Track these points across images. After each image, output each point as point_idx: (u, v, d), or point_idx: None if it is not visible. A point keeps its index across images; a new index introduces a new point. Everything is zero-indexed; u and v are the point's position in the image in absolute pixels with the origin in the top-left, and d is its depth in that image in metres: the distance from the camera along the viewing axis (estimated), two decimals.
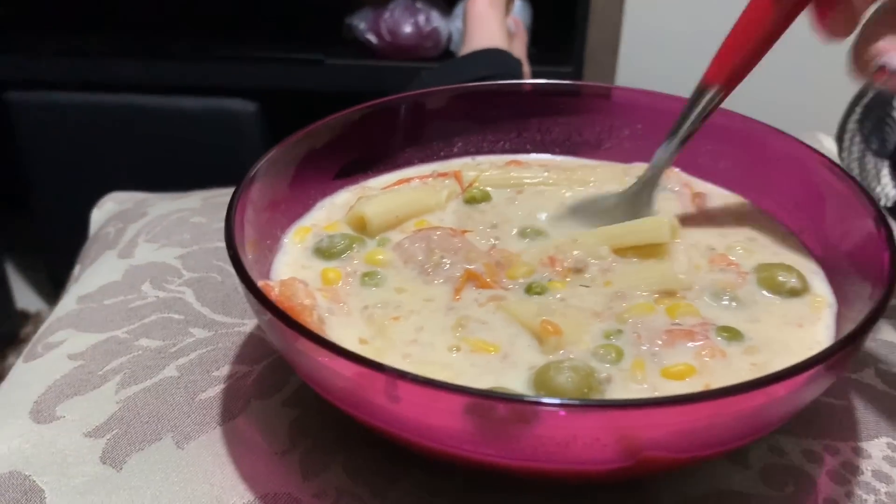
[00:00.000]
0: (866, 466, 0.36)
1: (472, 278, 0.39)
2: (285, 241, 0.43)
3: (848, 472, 0.36)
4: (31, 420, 0.40)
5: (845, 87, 0.69)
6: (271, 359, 0.42)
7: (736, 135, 0.46)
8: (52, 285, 1.69)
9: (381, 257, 0.41)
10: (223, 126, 1.55)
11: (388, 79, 1.57)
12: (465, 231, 0.43)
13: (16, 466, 0.37)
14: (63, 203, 1.59)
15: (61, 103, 1.54)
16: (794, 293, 0.39)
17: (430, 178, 0.47)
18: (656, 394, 0.32)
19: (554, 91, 0.51)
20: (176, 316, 0.46)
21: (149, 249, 0.54)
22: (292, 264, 0.42)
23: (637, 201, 0.43)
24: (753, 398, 0.27)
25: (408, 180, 0.48)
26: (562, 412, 0.26)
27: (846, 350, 0.29)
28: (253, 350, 0.43)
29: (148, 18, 1.70)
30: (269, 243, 0.42)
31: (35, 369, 0.45)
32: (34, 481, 0.36)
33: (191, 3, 1.78)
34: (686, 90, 0.44)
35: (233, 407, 0.39)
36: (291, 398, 0.40)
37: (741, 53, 0.39)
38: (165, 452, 0.37)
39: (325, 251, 0.42)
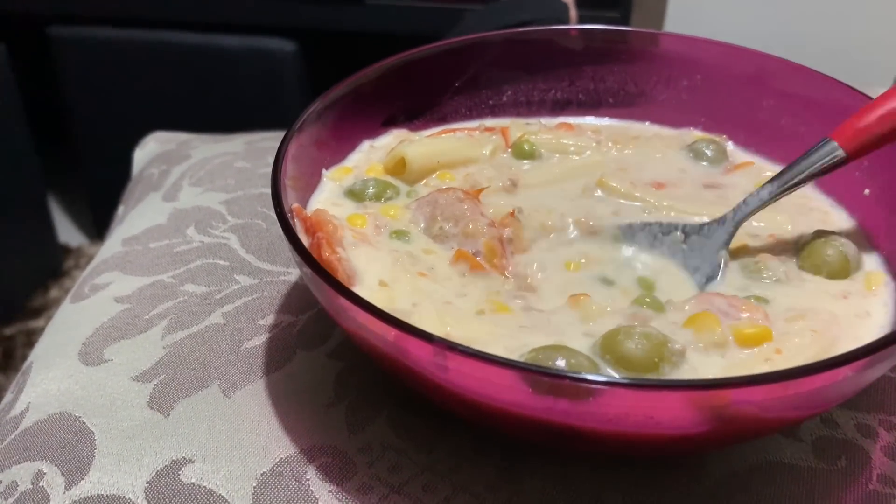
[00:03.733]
0: None
1: (462, 258, 0.36)
2: (325, 178, 0.43)
3: None
4: (80, 362, 0.41)
5: None
6: (316, 309, 0.42)
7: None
8: (94, 220, 1.72)
9: (393, 213, 0.40)
10: (262, 65, 1.54)
11: (430, 20, 1.54)
12: (481, 190, 0.40)
13: (66, 407, 0.38)
14: (104, 139, 1.60)
15: (103, 39, 1.54)
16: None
17: (477, 132, 0.46)
18: (732, 364, 0.31)
19: (608, 38, 0.49)
20: (221, 262, 0.46)
21: (193, 193, 0.54)
22: (324, 201, 0.41)
23: (712, 240, 0.38)
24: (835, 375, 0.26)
25: (453, 131, 0.46)
26: (637, 391, 0.25)
27: None
28: (298, 300, 0.43)
29: None
30: (311, 180, 0.42)
31: (82, 311, 0.45)
32: (84, 423, 0.37)
33: None
34: (738, 37, 0.42)
35: (278, 357, 0.39)
36: (336, 350, 0.39)
37: (880, 128, 0.36)
38: (212, 400, 0.37)
39: (356, 193, 0.41)
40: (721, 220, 0.39)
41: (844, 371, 0.26)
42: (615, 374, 0.29)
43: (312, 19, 1.49)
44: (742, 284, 0.37)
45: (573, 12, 1.13)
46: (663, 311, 0.33)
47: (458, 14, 1.50)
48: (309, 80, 1.60)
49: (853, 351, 0.26)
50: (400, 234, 0.38)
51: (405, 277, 0.35)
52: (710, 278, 0.37)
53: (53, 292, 1.60)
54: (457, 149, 0.43)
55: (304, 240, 0.35)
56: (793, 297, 0.36)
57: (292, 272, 0.45)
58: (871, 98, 0.39)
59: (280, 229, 0.33)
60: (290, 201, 0.37)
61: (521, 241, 0.38)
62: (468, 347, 0.26)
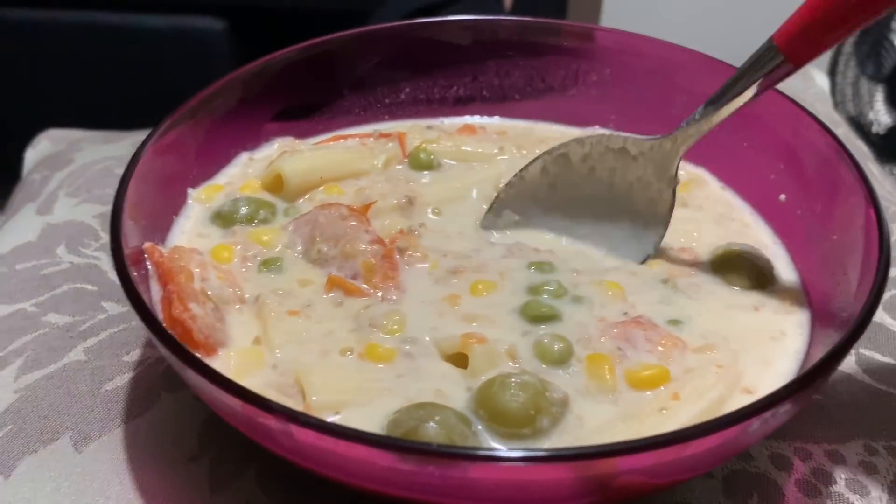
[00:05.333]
0: (840, 474, 0.33)
1: (336, 285, 0.33)
2: (190, 200, 0.38)
3: (819, 481, 0.32)
4: None
5: None
6: None
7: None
8: None
9: (266, 238, 0.36)
10: (188, 46, 1.47)
11: None
12: (369, 206, 0.37)
13: None
14: (21, 127, 1.52)
15: (11, 19, 1.45)
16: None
17: (371, 139, 0.42)
18: (624, 412, 0.28)
19: (512, 29, 0.45)
20: (89, 287, 0.42)
21: (68, 205, 0.49)
22: (189, 231, 0.37)
23: (662, 162, 0.35)
24: (724, 435, 0.23)
25: (344, 138, 0.42)
26: (506, 464, 0.21)
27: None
28: None
29: None
30: (176, 202, 0.37)
31: None
32: None
33: None
34: (673, 28, 0.38)
35: (141, 400, 0.35)
36: None
37: (822, 20, 0.31)
38: (61, 456, 0.33)
39: (225, 216, 0.37)
40: (665, 138, 0.35)
41: (737, 430, 0.23)
42: (489, 436, 0.26)
43: None
44: (660, 296, 0.34)
45: None
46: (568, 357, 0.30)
47: None
48: (239, 61, 1.52)
49: (745, 408, 0.23)
50: (270, 264, 0.34)
51: (277, 326, 0.31)
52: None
53: None
54: (344, 161, 0.39)
55: (157, 291, 0.31)
56: (706, 313, 0.34)
57: None
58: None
59: None
60: (143, 232, 0.33)
61: (418, 257, 0.34)
62: (312, 418, 0.22)
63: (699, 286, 0.36)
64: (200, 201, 0.38)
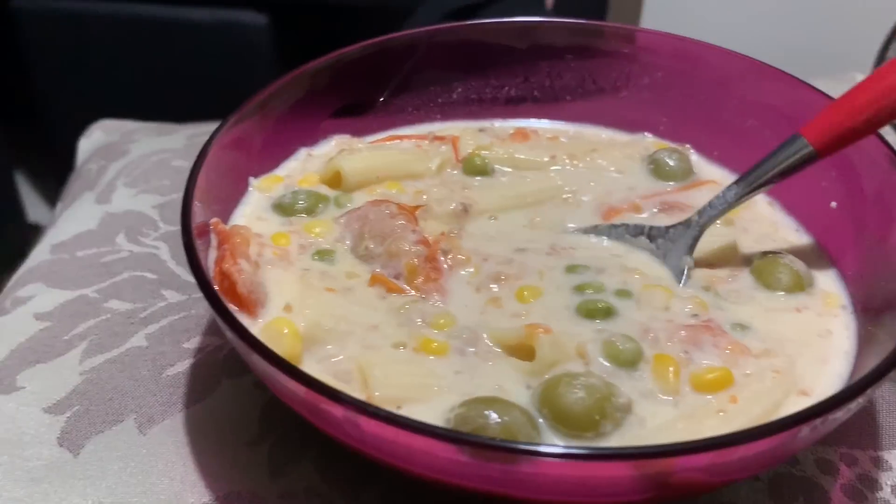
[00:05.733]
0: (886, 480, 0.33)
1: (378, 282, 0.34)
2: (252, 188, 0.40)
3: (865, 487, 0.33)
4: None
5: (883, 18, 0.62)
6: None
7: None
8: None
9: (318, 230, 0.37)
10: (232, 39, 1.49)
11: None
12: (418, 208, 0.37)
13: None
14: (71, 114, 1.55)
15: (68, 11, 1.48)
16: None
17: (426, 141, 0.43)
18: (683, 414, 0.28)
19: (565, 31, 0.45)
20: (149, 275, 0.43)
21: (127, 195, 0.50)
22: (249, 215, 0.38)
23: (677, 245, 0.37)
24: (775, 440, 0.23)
25: (400, 139, 0.43)
26: (563, 461, 0.22)
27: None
28: None
29: None
30: (236, 188, 0.39)
31: (1, 328, 0.42)
32: None
33: None
34: (713, 30, 0.38)
35: (202, 386, 0.37)
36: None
37: (851, 122, 0.33)
38: (126, 437, 0.34)
39: (285, 207, 0.38)
40: (686, 224, 0.37)
41: (790, 434, 0.23)
42: (552, 434, 0.27)
43: None
44: (711, 302, 0.35)
45: None
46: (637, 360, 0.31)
47: None
48: (281, 54, 1.55)
49: (800, 412, 0.23)
50: (323, 255, 0.35)
51: (314, 306, 0.32)
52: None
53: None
54: (400, 162, 0.40)
55: (213, 254, 0.33)
56: (756, 317, 0.34)
57: None
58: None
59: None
60: (209, 214, 0.34)
61: (461, 260, 0.35)
62: (382, 410, 0.23)
63: (739, 292, 0.36)
64: (261, 190, 0.39)
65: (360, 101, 0.43)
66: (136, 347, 0.39)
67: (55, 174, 1.67)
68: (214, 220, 0.34)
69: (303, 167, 0.41)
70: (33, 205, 1.71)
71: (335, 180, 0.39)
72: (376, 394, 0.28)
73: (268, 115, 0.38)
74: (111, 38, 1.51)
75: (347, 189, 0.39)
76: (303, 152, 0.42)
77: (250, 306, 0.31)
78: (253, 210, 0.38)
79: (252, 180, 0.39)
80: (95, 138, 0.66)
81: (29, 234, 1.61)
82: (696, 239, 0.36)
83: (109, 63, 1.53)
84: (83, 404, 0.36)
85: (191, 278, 0.43)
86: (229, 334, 0.28)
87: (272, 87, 0.38)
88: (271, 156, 0.40)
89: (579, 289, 0.34)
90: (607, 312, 0.33)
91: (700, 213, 0.37)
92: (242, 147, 0.38)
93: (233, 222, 0.37)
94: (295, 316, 0.31)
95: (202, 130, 0.59)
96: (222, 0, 1.47)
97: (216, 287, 0.30)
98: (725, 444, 0.22)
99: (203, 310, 0.41)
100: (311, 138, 0.42)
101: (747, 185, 0.36)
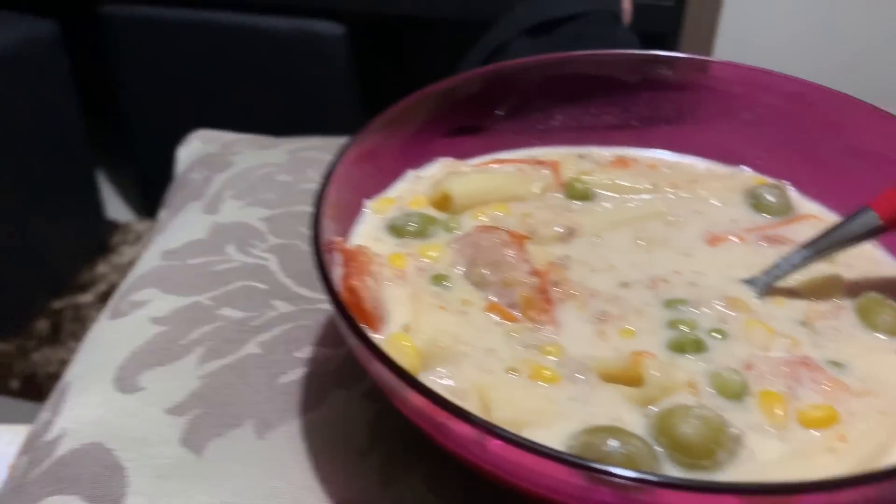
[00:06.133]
0: None
1: (495, 310, 0.35)
2: (366, 210, 0.41)
3: None
4: (115, 388, 0.40)
5: None
6: None
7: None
8: (142, 197, 1.74)
9: (433, 254, 0.38)
10: (311, 48, 1.53)
11: (480, 6, 1.51)
12: (525, 238, 0.39)
13: (99, 437, 0.38)
14: (153, 116, 1.62)
15: (154, 18, 1.54)
16: None
17: (527, 165, 0.44)
18: (793, 450, 0.29)
19: (665, 64, 0.46)
20: (259, 285, 0.46)
21: (234, 207, 0.53)
22: (366, 235, 0.40)
23: None
24: None
25: (501, 162, 0.45)
26: (694, 493, 0.23)
27: None
28: (335, 332, 0.42)
29: None
30: (353, 209, 0.41)
31: (119, 330, 0.45)
32: (117, 457, 0.36)
33: None
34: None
35: (314, 395, 0.39)
36: (372, 391, 0.38)
37: None
38: (246, 440, 0.36)
39: (398, 229, 0.40)
40: (750, 281, 0.37)
41: None
42: (669, 463, 0.28)
43: (362, 3, 1.48)
44: (806, 338, 0.35)
45: (626, 3, 1.09)
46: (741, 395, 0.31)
47: (507, 1, 1.46)
48: (356, 63, 1.58)
49: None
50: (439, 280, 0.36)
51: (431, 324, 0.34)
52: None
53: (101, 268, 1.63)
54: (505, 186, 0.42)
55: (339, 271, 0.34)
56: (856, 357, 0.35)
57: None
58: None
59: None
60: (330, 232, 0.36)
61: (570, 293, 0.36)
62: (515, 435, 0.24)
63: (839, 330, 0.36)
64: (375, 212, 0.41)
65: (467, 125, 0.45)
66: (250, 355, 0.41)
67: (134, 174, 1.74)
68: (338, 238, 0.36)
69: (411, 189, 0.43)
70: (111, 201, 1.77)
71: (444, 202, 0.41)
72: (496, 415, 0.29)
73: (389, 136, 0.40)
74: (194, 44, 1.57)
75: (456, 211, 0.40)
76: (410, 174, 0.43)
77: (374, 322, 0.32)
78: (369, 230, 0.39)
79: (366, 201, 0.41)
80: (194, 147, 0.69)
81: (107, 230, 1.68)
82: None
83: (191, 67, 1.59)
84: (202, 407, 0.38)
85: (300, 290, 0.45)
86: (357, 346, 0.30)
87: (397, 107, 0.40)
88: (384, 177, 0.42)
89: (676, 324, 0.35)
90: (704, 346, 0.33)
91: (766, 273, 0.37)
92: (363, 167, 0.39)
93: (352, 242, 0.39)
94: (414, 334, 0.32)
95: (302, 146, 0.62)
96: (302, 10, 1.51)
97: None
98: (855, 483, 0.23)
99: (312, 321, 0.43)
100: (419, 160, 0.44)
101: (814, 251, 0.37)
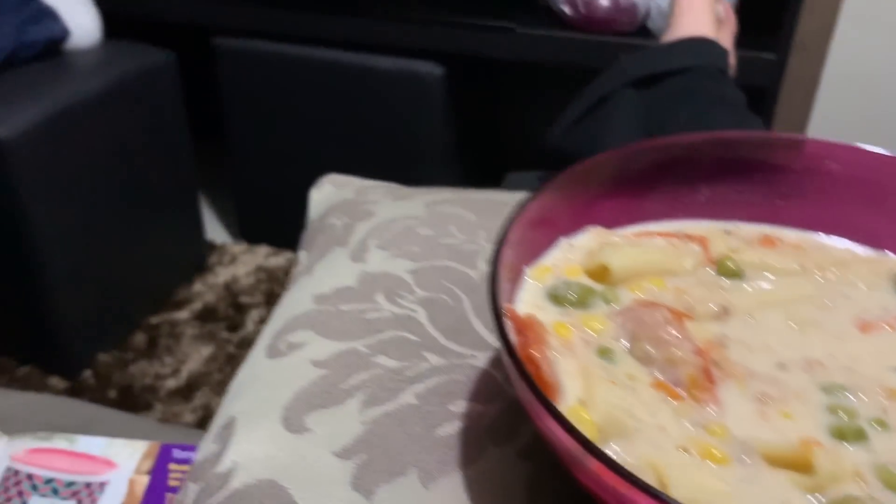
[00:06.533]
0: None
1: (661, 388, 0.36)
2: (526, 276, 0.44)
3: None
4: (283, 427, 0.43)
5: None
6: (504, 401, 0.43)
7: None
8: (239, 221, 1.81)
9: (597, 326, 0.40)
10: (410, 86, 1.58)
11: (580, 51, 1.54)
12: (686, 316, 0.40)
13: (272, 474, 0.41)
14: (256, 144, 1.69)
15: (262, 51, 1.62)
16: None
17: (676, 239, 0.46)
18: None
19: (814, 149, 0.47)
20: (410, 336, 0.48)
21: (380, 257, 0.56)
22: (528, 302, 0.42)
23: None
24: None
25: (650, 234, 0.46)
26: None
27: None
28: (486, 388, 0.45)
29: None
30: (514, 277, 0.43)
31: (281, 370, 0.48)
32: (291, 495, 0.39)
33: None
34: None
35: (471, 450, 0.41)
36: (525, 448, 0.41)
37: None
38: (412, 489, 0.39)
39: (559, 297, 0.42)
40: None
41: None
42: None
43: (462, 44, 1.52)
44: None
45: (732, 59, 1.10)
46: None
47: (608, 47, 1.49)
48: (454, 103, 1.63)
49: None
50: (605, 353, 0.38)
51: (605, 399, 0.35)
52: None
53: (197, 286, 1.70)
54: (660, 260, 0.43)
55: (514, 339, 0.36)
56: None
57: (478, 355, 0.47)
58: None
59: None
60: (506, 298, 0.38)
61: (730, 372, 0.37)
62: None
63: None
64: (534, 279, 0.43)
65: (616, 201, 0.47)
66: (407, 404, 0.44)
67: (233, 197, 1.81)
68: (508, 305, 0.38)
69: (565, 257, 0.45)
70: (210, 223, 1.85)
71: (601, 274, 0.43)
72: (673, 494, 0.31)
73: (556, 202, 0.43)
74: (298, 78, 1.63)
75: (613, 283, 0.42)
76: (563, 242, 0.46)
77: (551, 393, 0.35)
78: (531, 298, 0.42)
79: (526, 269, 0.43)
80: (327, 192, 0.73)
81: (205, 250, 1.75)
82: None
83: (294, 100, 1.66)
84: (368, 453, 0.41)
85: (448, 344, 0.48)
86: (542, 415, 0.32)
87: (572, 172, 0.42)
88: (541, 243, 0.45)
89: (835, 409, 0.36)
90: (866, 436, 0.34)
91: None
92: (530, 232, 0.42)
93: (518, 308, 0.41)
94: (589, 407, 0.34)
95: (436, 198, 0.65)
96: (404, 51, 1.56)
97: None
98: None
99: (463, 376, 0.45)
100: (572, 228, 0.46)
101: None
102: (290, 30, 1.55)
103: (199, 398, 1.46)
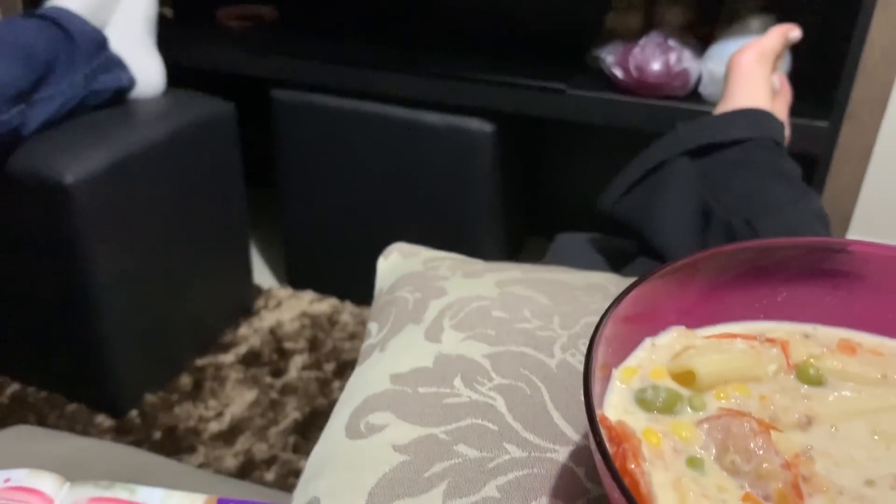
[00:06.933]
0: None
1: (748, 500, 0.36)
2: (614, 378, 0.45)
3: None
4: None
5: None
6: (586, 500, 0.44)
7: None
8: (287, 267, 1.84)
9: (685, 434, 0.41)
10: (460, 143, 1.61)
11: (630, 114, 1.56)
12: (773, 427, 0.41)
13: None
14: (307, 193, 1.73)
15: (318, 104, 1.66)
16: None
17: (757, 342, 0.47)
18: None
19: (892, 258, 0.48)
20: (490, 425, 0.49)
21: (456, 339, 0.57)
22: (616, 406, 0.43)
23: None
24: None
25: (732, 336, 0.47)
26: None
27: None
28: (567, 484, 0.45)
29: (404, 34, 1.79)
30: (605, 379, 0.44)
31: (362, 452, 0.49)
32: None
33: (444, 24, 1.84)
34: None
35: None
36: None
37: None
38: None
39: (647, 403, 0.43)
40: None
41: None
42: None
43: (513, 103, 1.55)
44: None
45: (787, 130, 1.11)
46: None
47: (659, 111, 1.51)
48: (503, 159, 1.65)
49: None
50: (694, 463, 0.39)
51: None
52: None
53: (243, 329, 1.73)
54: (744, 366, 0.44)
55: (609, 449, 0.37)
56: None
57: (559, 450, 0.48)
58: None
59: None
60: (599, 404, 0.39)
61: (818, 487, 0.38)
62: None
63: None
64: (622, 380, 0.44)
65: (699, 291, 0.48)
66: (490, 497, 0.45)
67: (281, 241, 1.84)
68: (600, 412, 0.39)
69: (650, 358, 0.46)
70: (258, 267, 1.89)
71: (686, 378, 0.44)
72: None
73: (645, 301, 0.44)
74: (352, 131, 1.67)
75: (699, 389, 0.43)
76: (647, 342, 0.47)
77: None
78: (620, 402, 0.43)
79: (614, 370, 0.44)
80: (394, 262, 0.75)
81: (252, 295, 1.78)
82: None
83: (347, 152, 1.70)
84: None
85: (528, 436, 0.49)
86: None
87: (659, 271, 0.44)
88: (627, 344, 0.46)
89: None
90: None
91: None
92: (611, 338, 0.43)
93: (605, 412, 0.42)
94: None
95: (505, 278, 0.66)
96: (455, 107, 1.59)
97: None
98: None
99: (544, 470, 0.46)
100: (655, 327, 0.47)
101: None
102: (346, 84, 1.59)
103: (241, 443, 1.47)
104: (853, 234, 1.76)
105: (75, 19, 1.43)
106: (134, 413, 1.53)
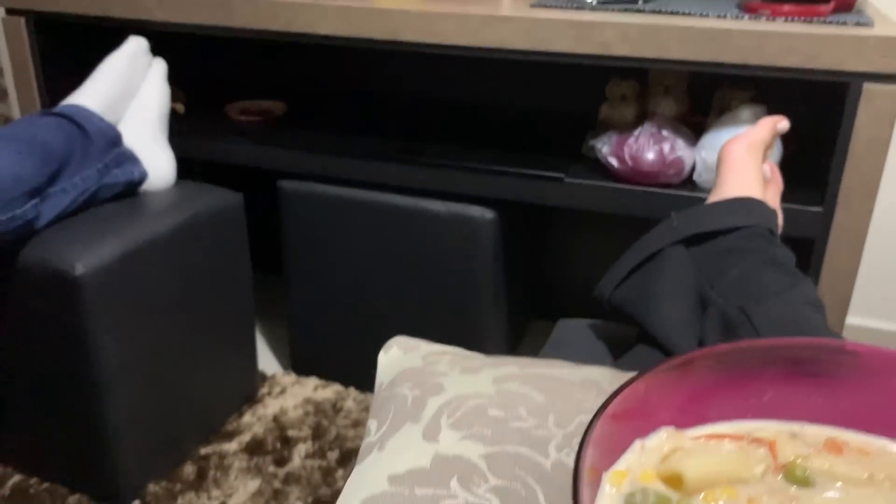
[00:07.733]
0: None
1: None
2: (605, 482, 0.45)
3: None
4: None
5: None
6: None
7: None
8: (290, 354, 1.85)
9: None
10: (462, 229, 1.65)
11: (626, 202, 1.60)
12: None
13: None
14: (312, 281, 1.75)
15: (323, 194, 1.71)
16: None
17: (744, 442, 0.48)
18: None
19: (882, 360, 0.49)
20: None
21: (453, 438, 0.58)
22: None
23: None
24: None
25: (720, 437, 0.48)
26: None
27: None
28: None
29: (407, 126, 1.85)
30: (595, 483, 0.45)
31: None
32: None
33: (445, 116, 1.91)
34: None
35: None
36: None
37: None
38: None
39: None
40: None
41: None
42: None
43: (513, 191, 1.59)
44: None
45: (780, 219, 1.14)
46: None
47: (655, 198, 1.54)
48: (504, 245, 1.68)
49: None
50: None
51: None
52: None
53: (247, 417, 1.72)
54: (732, 469, 0.45)
55: None
56: None
57: None
58: None
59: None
60: None
61: None
62: None
63: None
64: (612, 484, 0.45)
65: (687, 392, 0.49)
66: None
67: (285, 327, 1.86)
68: None
69: (640, 461, 0.47)
70: (262, 353, 1.90)
71: (674, 480, 0.44)
72: None
73: (633, 405, 0.45)
74: (357, 220, 1.72)
75: (687, 492, 0.44)
76: (637, 444, 0.48)
77: None
78: None
79: (604, 474, 0.45)
80: (394, 356, 0.76)
81: (257, 382, 1.79)
82: None
83: (352, 240, 1.74)
84: None
85: None
86: None
87: (653, 370, 0.45)
88: (618, 446, 0.47)
89: None
90: None
91: None
92: (605, 434, 0.44)
93: None
94: None
95: (503, 374, 0.68)
96: (457, 195, 1.64)
97: None
98: None
99: None
100: (647, 427, 0.48)
101: None
102: (351, 175, 1.64)
103: None
104: (853, 316, 1.77)
105: (91, 117, 1.49)
106: None
